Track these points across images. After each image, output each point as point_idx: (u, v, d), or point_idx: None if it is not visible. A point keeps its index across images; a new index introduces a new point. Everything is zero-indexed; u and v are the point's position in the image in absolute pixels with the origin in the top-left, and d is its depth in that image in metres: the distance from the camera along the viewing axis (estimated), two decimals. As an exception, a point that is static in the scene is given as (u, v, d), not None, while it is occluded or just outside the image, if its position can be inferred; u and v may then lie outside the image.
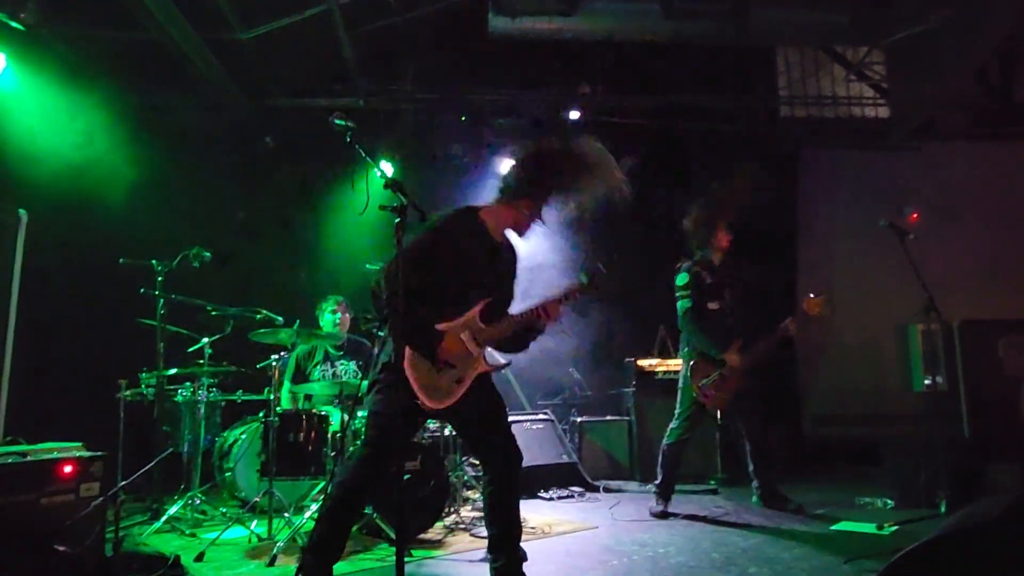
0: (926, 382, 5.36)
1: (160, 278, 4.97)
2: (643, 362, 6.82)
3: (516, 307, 3.18)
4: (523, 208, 3.09)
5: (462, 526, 4.50)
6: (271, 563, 3.66)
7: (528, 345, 3.20)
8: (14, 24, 5.17)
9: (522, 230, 3.16)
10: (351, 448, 4.44)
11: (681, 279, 5.06)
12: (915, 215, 6.70)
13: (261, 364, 4.97)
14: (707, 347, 4.95)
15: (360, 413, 4.79)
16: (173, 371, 5.04)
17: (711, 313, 5.02)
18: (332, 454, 4.31)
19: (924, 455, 4.83)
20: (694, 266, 5.08)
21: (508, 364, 3.18)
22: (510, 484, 3.08)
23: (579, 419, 6.62)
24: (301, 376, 5.40)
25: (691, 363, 4.98)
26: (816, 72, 7.78)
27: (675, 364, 6.71)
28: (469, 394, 2.98)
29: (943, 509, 4.51)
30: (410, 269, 2.74)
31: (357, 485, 2.92)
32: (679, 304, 5.05)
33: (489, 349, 3.08)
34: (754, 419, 5.09)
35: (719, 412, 5.09)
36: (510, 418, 6.06)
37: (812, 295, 4.83)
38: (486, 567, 3.68)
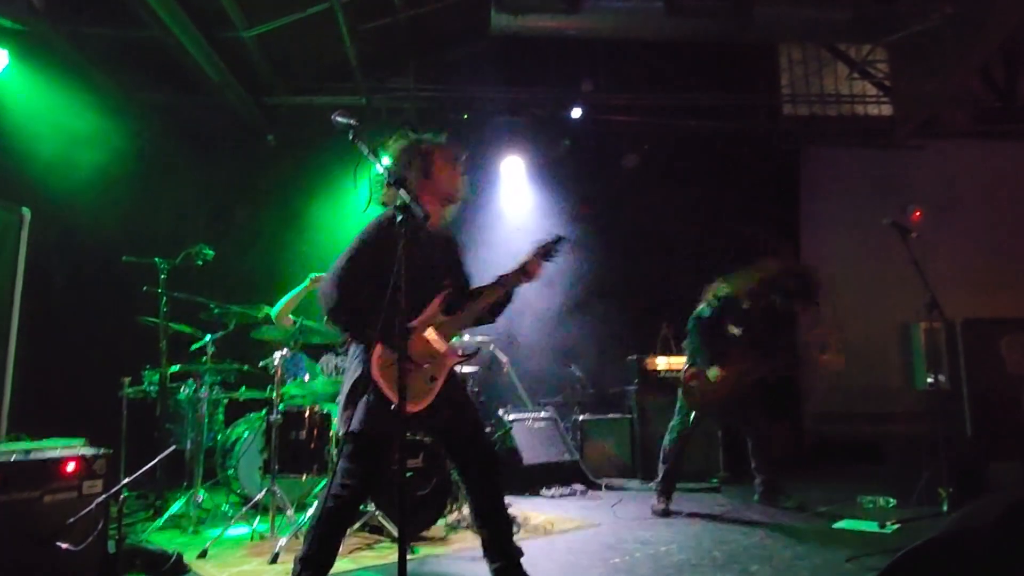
0: (928, 380, 5.35)
1: (163, 276, 4.98)
2: (645, 360, 6.82)
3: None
4: (426, 188, 3.03)
5: (464, 523, 4.50)
6: (273, 560, 3.67)
7: (501, 313, 3.20)
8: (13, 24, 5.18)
9: (449, 200, 3.12)
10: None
11: (721, 290, 5.03)
12: (918, 213, 6.69)
13: (263, 362, 4.97)
14: (699, 353, 4.99)
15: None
16: (176, 368, 5.05)
17: (730, 335, 4.98)
18: (334, 452, 4.31)
19: (926, 453, 4.83)
20: (739, 290, 4.99)
21: (476, 352, 3.17)
22: (491, 487, 3.06)
23: (581, 417, 6.62)
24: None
25: (686, 362, 5.08)
26: (819, 70, 7.78)
27: (677, 362, 6.74)
28: (444, 398, 2.95)
29: (945, 507, 4.50)
30: (352, 279, 2.81)
31: (349, 499, 2.90)
32: (699, 307, 5.07)
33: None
34: (757, 417, 5.11)
35: (694, 412, 4.98)
36: (513, 416, 6.13)
37: (827, 354, 4.81)
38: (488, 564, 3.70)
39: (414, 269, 2.80)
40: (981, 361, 5.26)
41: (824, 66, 7.78)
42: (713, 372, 4.88)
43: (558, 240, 3.11)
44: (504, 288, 3.10)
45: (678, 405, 5.07)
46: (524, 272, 3.07)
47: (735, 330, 4.97)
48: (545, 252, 3.09)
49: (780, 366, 4.95)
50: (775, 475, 5.13)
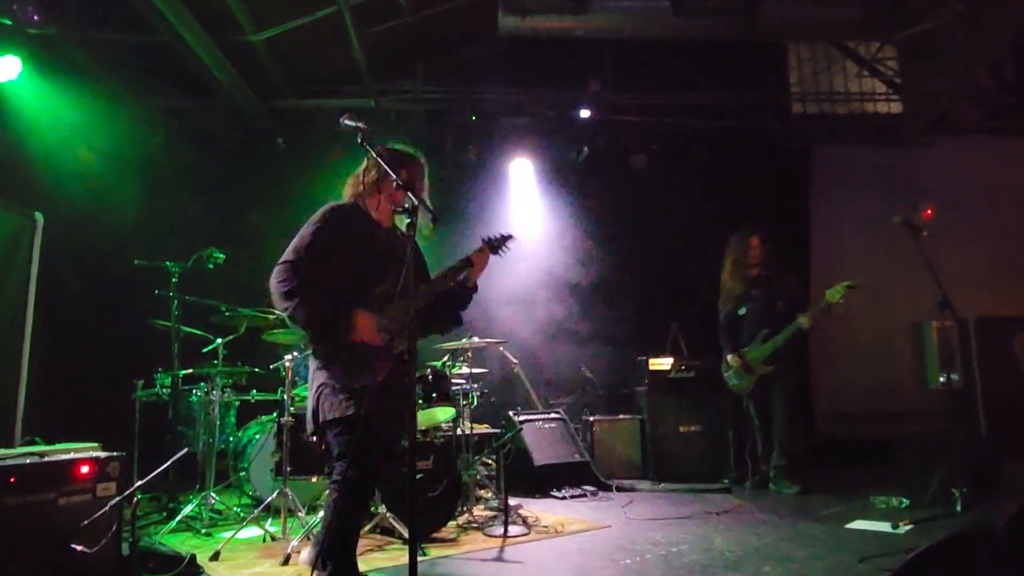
0: (941, 379, 5.32)
1: (174, 279, 5.01)
2: (655, 361, 6.80)
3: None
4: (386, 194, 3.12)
5: (475, 525, 4.51)
6: (285, 562, 3.68)
7: (464, 307, 3.20)
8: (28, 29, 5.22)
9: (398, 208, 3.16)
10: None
11: (723, 291, 6.01)
12: (929, 211, 6.64)
13: (274, 364, 4.99)
14: (723, 349, 5.89)
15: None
16: (188, 371, 5.08)
17: (743, 317, 5.82)
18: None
19: (940, 453, 4.79)
20: (728, 279, 5.95)
21: (405, 352, 3.05)
22: (362, 503, 3.07)
23: (591, 418, 6.61)
24: None
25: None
26: (828, 68, 7.74)
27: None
28: (394, 384, 2.88)
29: (959, 507, 4.47)
30: (302, 264, 2.87)
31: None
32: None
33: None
34: (779, 401, 5.59)
35: (744, 398, 5.87)
36: (523, 417, 6.14)
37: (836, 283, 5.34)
38: (499, 566, 3.71)
39: (357, 255, 2.98)
40: (994, 359, 5.24)
41: (833, 64, 7.74)
42: (731, 358, 5.79)
43: (507, 237, 3.23)
44: (448, 280, 3.09)
45: None
46: (468, 262, 3.11)
47: (742, 310, 5.82)
48: (493, 246, 3.19)
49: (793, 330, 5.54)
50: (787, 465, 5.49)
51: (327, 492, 2.96)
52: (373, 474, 2.96)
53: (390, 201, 3.13)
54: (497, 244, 3.22)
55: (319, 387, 2.91)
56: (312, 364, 2.98)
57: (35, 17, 5.06)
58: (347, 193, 3.23)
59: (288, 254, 2.94)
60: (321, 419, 2.89)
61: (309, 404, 2.95)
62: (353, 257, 2.99)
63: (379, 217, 3.16)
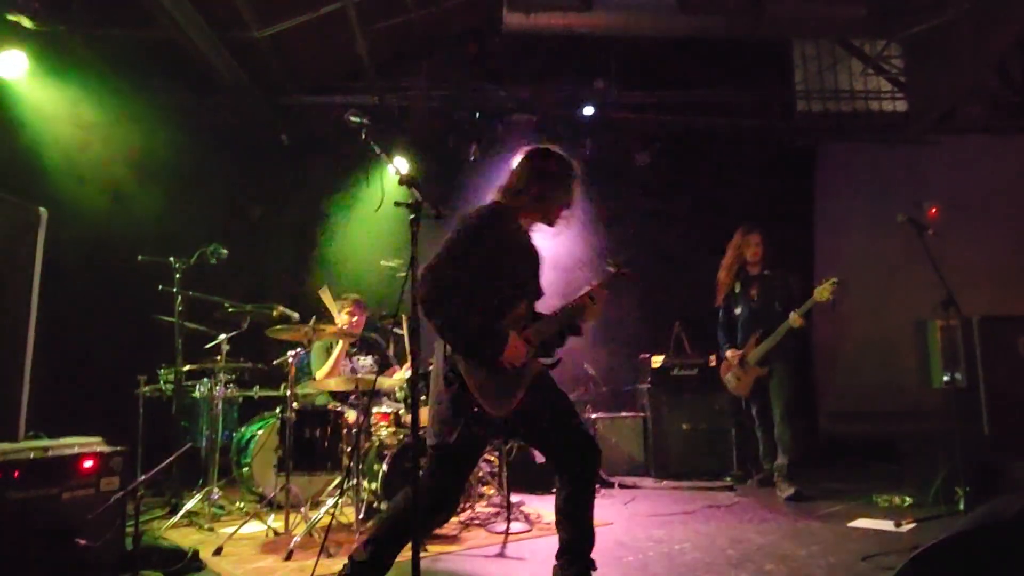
0: (945, 378, 5.30)
1: (178, 275, 5.02)
2: (657, 358, 6.80)
3: (546, 306, 3.13)
4: (547, 207, 3.03)
5: (477, 521, 4.51)
6: (288, 557, 3.69)
7: (565, 341, 3.13)
8: (28, 24, 5.23)
9: (551, 224, 3.10)
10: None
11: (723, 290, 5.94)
12: (934, 209, 6.63)
13: (277, 360, 5.00)
14: (722, 347, 5.83)
15: (375, 409, 4.82)
16: (191, 367, 5.09)
17: (738, 317, 5.77)
18: (348, 450, 4.33)
19: (943, 452, 4.78)
20: (723, 274, 5.88)
21: (559, 361, 3.09)
22: (587, 486, 2.98)
23: (594, 415, 6.61)
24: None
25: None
26: (833, 66, 7.72)
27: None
28: (531, 395, 2.87)
29: (962, 506, 4.46)
30: (451, 269, 2.70)
31: (426, 508, 2.81)
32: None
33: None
34: (777, 402, 5.48)
35: (743, 399, 5.79)
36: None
37: (824, 281, 5.31)
38: (501, 562, 3.71)
39: (510, 266, 2.88)
40: (998, 359, 5.20)
41: (838, 62, 7.71)
42: (730, 354, 5.70)
43: (618, 273, 3.15)
44: (566, 317, 3.05)
45: None
46: (591, 298, 3.04)
47: (738, 311, 5.78)
48: (608, 283, 3.11)
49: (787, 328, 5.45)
50: (783, 465, 5.40)
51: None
52: (452, 492, 2.91)
53: (543, 216, 3.05)
54: (611, 283, 3.14)
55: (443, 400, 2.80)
56: (443, 367, 2.81)
57: (35, 5, 5.06)
58: (501, 196, 3.05)
59: (435, 259, 2.74)
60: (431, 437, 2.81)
61: (435, 410, 2.84)
62: (501, 268, 2.86)
63: (525, 225, 3.05)
